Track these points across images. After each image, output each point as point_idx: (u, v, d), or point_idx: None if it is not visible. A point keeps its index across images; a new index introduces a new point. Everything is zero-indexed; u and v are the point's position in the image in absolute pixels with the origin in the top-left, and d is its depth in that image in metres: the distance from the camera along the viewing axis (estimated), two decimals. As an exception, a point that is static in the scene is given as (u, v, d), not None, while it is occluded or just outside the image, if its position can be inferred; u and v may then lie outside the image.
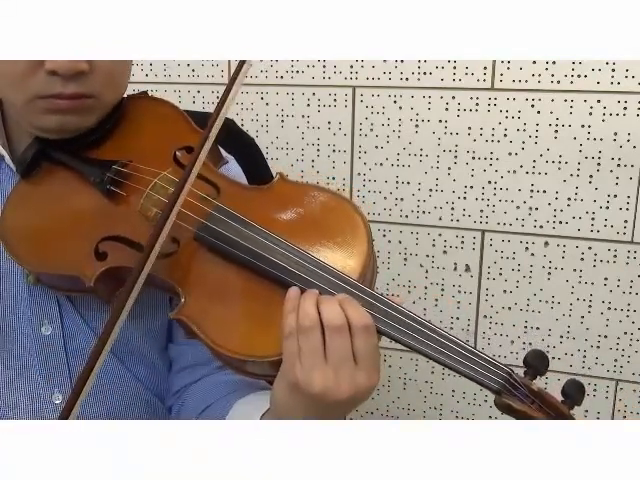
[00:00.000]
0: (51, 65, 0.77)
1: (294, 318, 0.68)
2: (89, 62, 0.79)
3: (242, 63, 0.76)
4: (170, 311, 0.93)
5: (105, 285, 0.80)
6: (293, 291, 0.70)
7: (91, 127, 0.86)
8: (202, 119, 0.89)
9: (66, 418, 0.66)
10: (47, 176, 0.87)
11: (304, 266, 0.72)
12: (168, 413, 0.95)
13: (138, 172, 0.84)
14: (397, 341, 0.70)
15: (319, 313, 0.68)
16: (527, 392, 0.68)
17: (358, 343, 0.67)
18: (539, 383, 0.69)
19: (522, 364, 0.71)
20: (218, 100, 0.76)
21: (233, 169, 0.96)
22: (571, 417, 0.68)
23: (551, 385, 1.33)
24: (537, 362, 0.70)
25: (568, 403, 0.68)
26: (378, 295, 0.71)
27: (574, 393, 0.69)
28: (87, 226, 0.83)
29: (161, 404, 0.95)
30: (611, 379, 1.37)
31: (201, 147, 0.74)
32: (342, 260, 0.74)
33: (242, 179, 0.96)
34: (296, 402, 0.69)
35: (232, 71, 1.54)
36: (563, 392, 0.69)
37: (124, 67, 0.86)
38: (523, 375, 0.70)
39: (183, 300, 0.75)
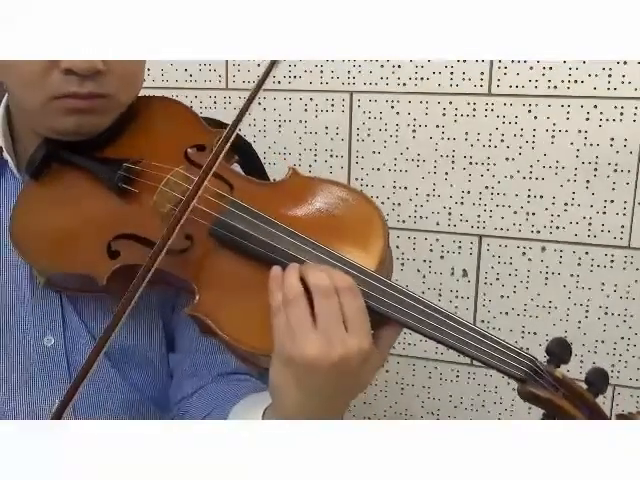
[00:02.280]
0: (68, 64, 0.77)
1: (279, 294, 0.68)
2: (105, 62, 0.78)
3: (273, 63, 0.76)
4: (171, 314, 0.93)
5: (117, 284, 0.79)
6: (275, 269, 0.69)
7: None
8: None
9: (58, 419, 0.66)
10: (57, 177, 0.87)
11: (322, 259, 0.71)
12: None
13: (150, 169, 0.83)
14: (417, 331, 0.70)
15: (303, 283, 0.67)
16: (551, 379, 0.67)
17: (345, 304, 0.66)
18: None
19: (545, 353, 0.70)
20: (246, 99, 0.74)
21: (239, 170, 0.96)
22: (597, 405, 0.68)
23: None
24: (560, 350, 0.70)
25: (592, 391, 0.68)
26: (398, 286, 0.71)
27: (598, 381, 0.69)
28: (99, 224, 0.83)
29: (159, 410, 0.94)
30: (608, 384, 1.36)
31: (223, 144, 0.73)
32: (359, 254, 0.73)
33: None
34: (292, 377, 0.67)
35: (230, 77, 1.55)
36: (587, 381, 0.69)
37: (138, 68, 0.86)
38: (546, 363, 0.70)
39: (198, 296, 0.75)
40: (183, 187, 0.79)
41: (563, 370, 0.69)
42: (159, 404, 0.94)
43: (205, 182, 0.73)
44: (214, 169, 0.74)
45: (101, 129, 0.85)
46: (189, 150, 0.85)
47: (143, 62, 0.87)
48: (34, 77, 0.78)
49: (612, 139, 1.27)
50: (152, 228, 0.78)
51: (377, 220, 0.76)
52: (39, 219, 0.85)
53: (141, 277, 0.69)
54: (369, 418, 1.53)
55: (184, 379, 0.91)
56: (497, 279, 1.39)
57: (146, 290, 0.70)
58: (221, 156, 0.74)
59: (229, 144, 0.74)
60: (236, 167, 0.95)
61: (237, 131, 0.75)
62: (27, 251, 0.83)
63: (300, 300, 0.66)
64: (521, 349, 0.69)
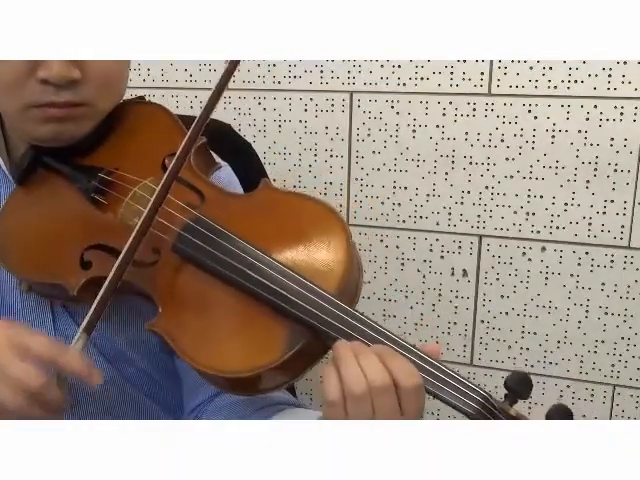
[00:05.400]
0: (43, 74, 0.76)
1: (338, 386, 0.64)
2: (82, 70, 0.78)
3: (234, 64, 0.76)
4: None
5: (90, 294, 0.77)
6: (341, 346, 0.65)
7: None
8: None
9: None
10: (41, 183, 0.86)
11: (282, 281, 0.70)
12: (170, 417, 0.94)
13: (122, 180, 0.82)
14: None
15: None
16: (504, 418, 0.65)
17: (407, 403, 0.64)
18: (525, 403, 0.67)
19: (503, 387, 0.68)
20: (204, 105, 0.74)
21: (225, 175, 0.94)
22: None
23: (548, 391, 1.33)
24: (518, 386, 0.67)
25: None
26: (353, 311, 0.69)
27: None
28: (74, 234, 0.82)
29: (157, 407, 0.94)
30: (608, 384, 1.37)
31: (182, 157, 0.73)
32: (320, 270, 0.72)
33: (234, 185, 0.95)
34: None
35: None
36: (548, 418, 0.66)
37: (119, 73, 0.85)
38: (503, 398, 0.67)
39: (160, 311, 0.74)
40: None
41: (518, 407, 0.67)
42: (159, 401, 0.94)
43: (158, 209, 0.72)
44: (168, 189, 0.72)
45: (80, 136, 0.84)
46: (166, 160, 0.84)
47: (125, 68, 0.86)
48: (10, 84, 0.78)
49: (612, 139, 1.27)
50: (122, 240, 0.77)
51: (340, 236, 0.74)
52: (19, 224, 0.85)
53: (109, 288, 0.70)
54: (369, 418, 1.52)
55: (199, 385, 0.89)
56: (497, 279, 1.39)
57: (118, 297, 0.70)
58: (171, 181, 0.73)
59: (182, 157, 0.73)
60: (226, 169, 0.94)
61: (193, 141, 0.73)
62: (6, 257, 0.83)
63: (367, 398, 0.63)
64: (474, 384, 0.66)
